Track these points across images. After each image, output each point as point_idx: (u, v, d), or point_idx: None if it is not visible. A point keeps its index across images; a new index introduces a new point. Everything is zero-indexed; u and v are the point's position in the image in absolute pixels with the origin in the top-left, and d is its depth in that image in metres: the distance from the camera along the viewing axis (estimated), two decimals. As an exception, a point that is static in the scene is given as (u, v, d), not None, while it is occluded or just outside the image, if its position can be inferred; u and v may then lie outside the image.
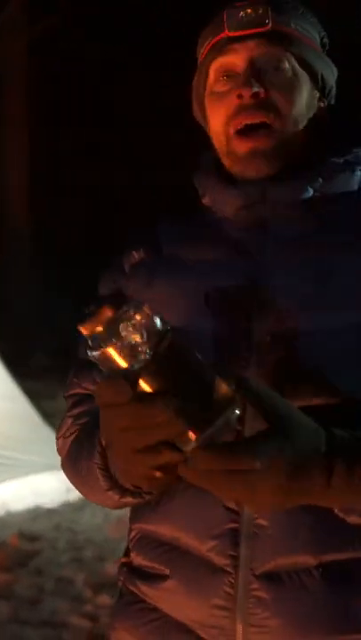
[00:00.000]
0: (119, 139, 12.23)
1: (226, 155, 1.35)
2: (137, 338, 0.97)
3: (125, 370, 0.98)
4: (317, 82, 1.35)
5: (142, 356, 0.97)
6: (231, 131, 1.31)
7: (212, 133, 1.38)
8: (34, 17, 10.91)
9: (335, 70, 1.40)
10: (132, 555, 1.37)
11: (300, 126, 1.32)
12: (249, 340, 1.25)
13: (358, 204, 1.33)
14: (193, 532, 1.27)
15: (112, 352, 0.98)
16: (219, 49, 1.32)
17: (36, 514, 5.06)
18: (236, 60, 1.31)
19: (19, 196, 11.50)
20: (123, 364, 0.98)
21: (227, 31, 1.31)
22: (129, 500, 1.24)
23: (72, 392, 1.43)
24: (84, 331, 1.01)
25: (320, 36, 1.38)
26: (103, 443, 1.22)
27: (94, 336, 1.00)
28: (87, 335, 1.01)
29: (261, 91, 1.28)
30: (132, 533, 1.38)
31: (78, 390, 1.42)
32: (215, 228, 1.36)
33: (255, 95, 1.28)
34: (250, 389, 1.01)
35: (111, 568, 4.25)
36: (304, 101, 1.32)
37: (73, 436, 1.38)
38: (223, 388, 0.99)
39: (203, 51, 1.37)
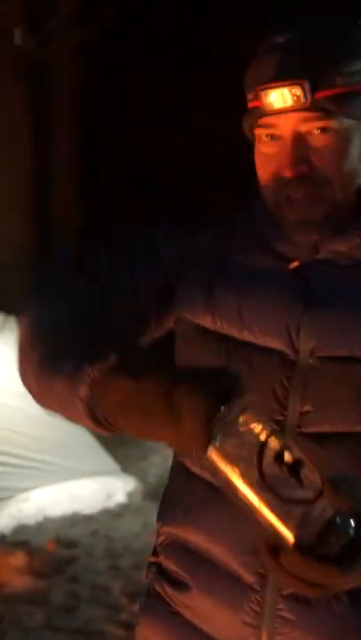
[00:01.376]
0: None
1: (275, 214, 1.32)
2: (243, 446, 0.99)
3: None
4: None
5: (249, 467, 0.99)
6: (280, 198, 1.29)
7: (260, 180, 1.33)
8: (81, 23, 11.01)
9: None
10: (161, 558, 1.38)
11: (353, 185, 1.28)
12: (296, 358, 1.25)
13: None
14: (225, 545, 1.27)
15: (216, 455, 1.00)
16: (259, 116, 1.28)
17: (74, 520, 5.02)
18: (279, 130, 1.26)
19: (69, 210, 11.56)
20: (229, 471, 1.00)
21: (262, 106, 1.26)
22: (102, 431, 1.15)
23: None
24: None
25: None
26: (100, 367, 1.11)
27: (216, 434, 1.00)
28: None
29: (303, 167, 1.25)
30: (161, 537, 1.38)
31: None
32: (265, 247, 1.35)
33: (298, 173, 1.25)
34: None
35: (148, 576, 4.21)
36: (355, 159, 1.27)
37: (46, 341, 1.27)
38: (334, 501, 1.00)
39: (249, 100, 1.31)
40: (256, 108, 1.27)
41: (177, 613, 1.34)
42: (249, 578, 1.24)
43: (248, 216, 1.39)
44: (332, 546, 0.99)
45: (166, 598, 1.36)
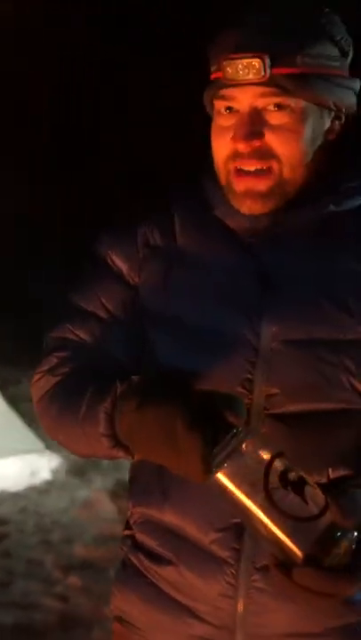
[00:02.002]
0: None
1: (225, 185, 1.37)
2: (248, 469, 1.09)
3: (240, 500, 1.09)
4: (329, 108, 1.33)
5: (256, 488, 1.08)
6: (230, 167, 1.34)
7: (213, 155, 1.39)
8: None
9: (356, 84, 1.38)
10: (137, 533, 1.44)
11: (302, 161, 1.33)
12: (257, 344, 1.31)
13: None
14: (197, 523, 1.34)
15: (224, 478, 1.09)
16: (219, 88, 1.33)
17: (2, 498, 5.08)
18: (236, 103, 1.32)
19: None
20: (237, 492, 1.09)
21: (222, 77, 1.31)
22: (119, 453, 1.29)
23: (60, 335, 1.44)
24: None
25: (339, 47, 1.34)
26: (123, 389, 1.26)
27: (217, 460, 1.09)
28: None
29: (256, 141, 1.30)
30: (135, 516, 1.44)
31: (68, 335, 1.43)
32: (228, 227, 1.40)
33: (250, 146, 1.30)
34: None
35: (79, 550, 4.32)
36: (309, 137, 1.32)
37: (60, 377, 1.40)
38: (337, 518, 1.09)
39: (211, 70, 1.37)
40: (217, 79, 1.32)
41: (153, 584, 1.41)
42: (223, 553, 1.32)
43: (203, 199, 1.44)
44: (340, 558, 1.08)
45: (142, 570, 1.43)
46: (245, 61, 1.26)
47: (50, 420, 1.43)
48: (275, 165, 1.31)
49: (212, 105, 1.37)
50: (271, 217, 1.34)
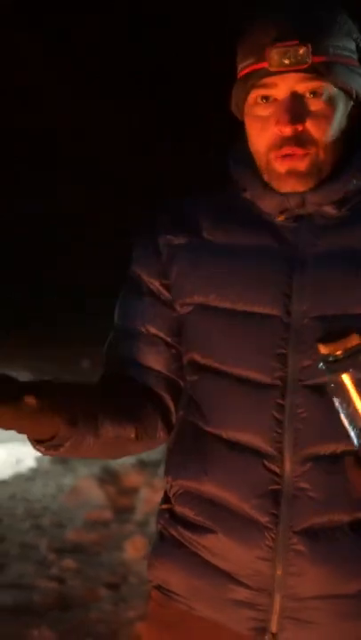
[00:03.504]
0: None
1: (265, 170, 1.44)
2: None
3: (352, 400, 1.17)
4: (352, 96, 1.43)
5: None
6: (272, 156, 1.42)
7: (251, 147, 1.46)
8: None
9: None
10: (176, 506, 1.50)
11: (335, 146, 1.42)
12: (289, 321, 1.39)
13: None
14: (237, 491, 1.40)
15: (346, 380, 1.16)
16: (259, 77, 1.40)
17: (-11, 485, 5.19)
18: (276, 92, 1.40)
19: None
20: (353, 394, 1.16)
21: (268, 65, 1.38)
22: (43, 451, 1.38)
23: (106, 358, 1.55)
24: (322, 349, 1.18)
25: (356, 42, 1.44)
26: None
27: (331, 356, 1.16)
28: (325, 354, 1.18)
29: (299, 126, 1.38)
30: (174, 488, 1.50)
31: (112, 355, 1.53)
32: (254, 213, 1.48)
33: (294, 130, 1.38)
34: None
35: (71, 534, 4.43)
36: (339, 122, 1.42)
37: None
38: None
39: (242, 67, 1.44)
40: (256, 70, 1.39)
41: (193, 554, 1.46)
42: (262, 518, 1.38)
43: (233, 187, 1.50)
44: None
45: (183, 541, 1.47)
46: (292, 49, 1.35)
47: None
48: (313, 150, 1.40)
49: (244, 99, 1.44)
50: (300, 195, 1.42)
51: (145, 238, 1.54)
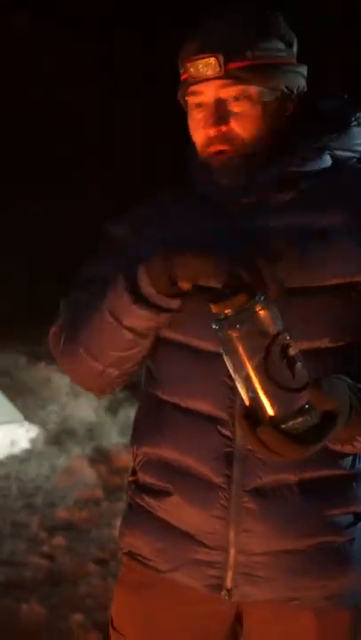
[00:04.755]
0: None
1: (206, 165, 1.58)
2: (253, 332, 1.20)
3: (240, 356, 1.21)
4: (282, 91, 1.56)
5: (257, 351, 1.20)
6: (206, 153, 1.56)
7: (195, 142, 1.60)
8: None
9: (303, 69, 1.60)
10: (140, 474, 1.63)
11: (264, 138, 1.55)
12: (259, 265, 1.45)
13: (333, 177, 1.56)
14: (194, 455, 1.53)
15: (233, 336, 1.20)
16: (188, 86, 1.56)
17: (-17, 466, 5.30)
18: (204, 98, 1.55)
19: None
20: (241, 351, 1.20)
21: (189, 76, 1.54)
22: (142, 311, 1.45)
23: (71, 298, 1.64)
24: (214, 308, 1.23)
25: (283, 40, 1.56)
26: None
27: (221, 315, 1.21)
28: (215, 313, 1.22)
29: (223, 127, 1.53)
30: (139, 458, 1.63)
31: (79, 295, 1.62)
32: (211, 203, 1.59)
33: (218, 131, 1.53)
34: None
35: (62, 512, 4.54)
36: (265, 116, 1.54)
37: (67, 316, 1.63)
38: (315, 397, 1.24)
39: (180, 73, 1.59)
40: (185, 80, 1.56)
41: (157, 518, 1.59)
42: (217, 479, 1.50)
43: (189, 180, 1.64)
44: (298, 427, 1.23)
45: (147, 507, 1.60)
46: (204, 61, 1.51)
47: (68, 355, 1.61)
48: (239, 146, 1.54)
49: (186, 102, 1.60)
50: (245, 181, 1.53)
51: (120, 217, 1.70)
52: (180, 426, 1.55)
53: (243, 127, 1.54)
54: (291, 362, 1.23)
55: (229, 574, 1.53)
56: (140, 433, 1.65)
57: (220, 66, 1.50)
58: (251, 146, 1.54)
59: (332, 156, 1.57)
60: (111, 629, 1.70)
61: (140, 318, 1.47)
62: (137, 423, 1.68)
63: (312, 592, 1.53)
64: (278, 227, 1.53)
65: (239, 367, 1.24)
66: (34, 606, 3.47)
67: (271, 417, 1.23)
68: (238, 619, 1.62)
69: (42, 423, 6.32)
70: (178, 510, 1.57)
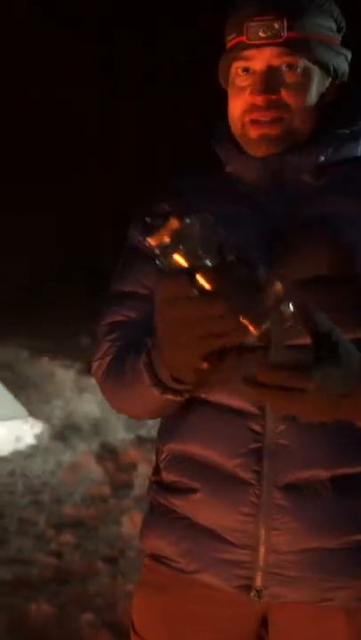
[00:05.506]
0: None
1: (240, 136, 1.53)
2: (200, 248, 1.10)
3: (188, 270, 1.10)
4: (329, 72, 1.52)
5: (204, 262, 1.10)
6: (246, 119, 1.50)
7: (230, 115, 1.55)
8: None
9: (348, 54, 1.56)
10: (163, 473, 1.57)
11: (309, 114, 1.50)
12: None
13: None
14: (221, 450, 1.47)
15: (178, 258, 1.10)
16: (239, 50, 1.49)
17: (-12, 462, 5.24)
18: (254, 64, 1.49)
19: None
20: (187, 266, 1.10)
21: (246, 38, 1.47)
22: (169, 396, 1.36)
23: (110, 320, 1.58)
24: (151, 241, 1.12)
25: (336, 22, 1.53)
26: (154, 340, 1.32)
27: (162, 245, 1.11)
28: (155, 245, 1.11)
29: (272, 96, 1.47)
30: (163, 455, 1.57)
31: (116, 318, 1.57)
32: (236, 188, 1.54)
33: (267, 100, 1.47)
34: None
35: (70, 509, 4.48)
36: (313, 94, 1.51)
37: (112, 355, 1.54)
38: (277, 287, 1.13)
39: (228, 41, 1.53)
40: (237, 43, 1.49)
41: (181, 517, 1.53)
42: (246, 475, 1.44)
43: (216, 164, 1.58)
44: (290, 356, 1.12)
45: (170, 507, 1.54)
46: (267, 23, 1.45)
47: (110, 394, 1.56)
48: (286, 115, 1.49)
49: (228, 71, 1.54)
50: (279, 159, 1.49)
51: (141, 211, 1.61)
52: (207, 420, 1.49)
53: (292, 97, 1.48)
54: (247, 264, 1.13)
55: (259, 574, 1.46)
56: (166, 430, 1.59)
57: (282, 30, 1.45)
58: (296, 119, 1.49)
59: None
60: (132, 633, 1.63)
61: (166, 401, 1.41)
62: (163, 420, 1.62)
63: (344, 592, 1.47)
64: (309, 214, 1.47)
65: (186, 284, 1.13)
66: (42, 605, 3.40)
67: (255, 329, 1.11)
68: (263, 621, 1.55)
69: (46, 419, 6.27)
70: (204, 508, 1.50)
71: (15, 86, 12.65)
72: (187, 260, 1.11)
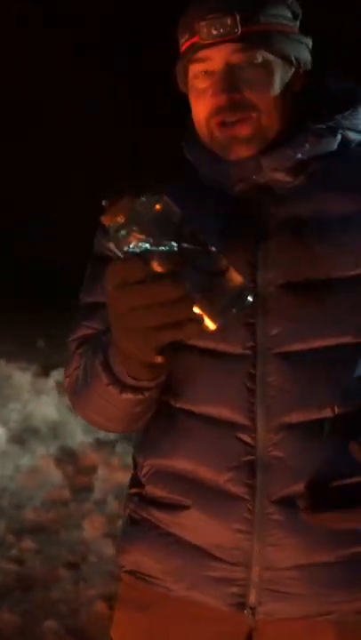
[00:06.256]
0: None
1: (209, 141, 1.47)
2: (156, 229, 1.04)
3: (142, 254, 1.04)
4: (291, 62, 1.46)
5: (160, 245, 1.03)
6: (212, 123, 1.44)
7: (195, 121, 1.48)
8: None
9: (309, 41, 1.50)
10: (148, 487, 1.50)
11: (277, 109, 1.44)
12: (254, 290, 1.38)
13: (340, 160, 1.46)
14: (210, 465, 1.41)
15: (131, 239, 1.04)
16: (195, 51, 1.43)
17: None
18: (212, 64, 1.42)
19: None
20: (141, 249, 1.04)
21: (199, 39, 1.41)
22: (129, 395, 1.31)
23: (78, 334, 1.53)
24: (104, 221, 1.07)
25: (291, 10, 1.47)
26: (110, 336, 1.26)
27: (115, 226, 1.06)
28: (108, 225, 1.06)
29: (236, 96, 1.41)
30: (145, 469, 1.50)
31: (84, 332, 1.51)
32: (215, 191, 1.48)
33: (230, 99, 1.41)
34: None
35: (30, 514, 4.42)
36: (278, 87, 1.44)
37: (80, 367, 1.48)
38: (236, 277, 1.07)
39: (182, 44, 1.47)
40: (191, 45, 1.43)
41: (167, 534, 1.46)
42: (238, 490, 1.38)
43: (189, 167, 1.52)
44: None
45: (155, 522, 1.47)
46: (219, 20, 1.39)
47: (79, 406, 1.50)
48: (254, 114, 1.42)
49: (186, 75, 1.47)
50: (254, 161, 1.43)
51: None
52: (193, 434, 1.43)
53: (257, 95, 1.42)
54: (206, 249, 1.08)
55: (253, 591, 1.41)
56: (147, 444, 1.52)
57: (236, 26, 1.39)
58: (264, 116, 1.43)
59: (342, 137, 1.48)
60: None
61: (129, 401, 1.35)
62: (144, 432, 1.54)
63: (343, 606, 1.42)
64: (289, 215, 1.43)
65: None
66: (4, 614, 3.36)
67: (211, 318, 1.06)
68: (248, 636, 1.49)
69: (3, 422, 6.18)
70: (195, 525, 1.44)
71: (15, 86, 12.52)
72: (140, 240, 1.05)
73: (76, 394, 1.49)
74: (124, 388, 1.31)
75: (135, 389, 1.31)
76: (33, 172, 12.71)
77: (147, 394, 1.32)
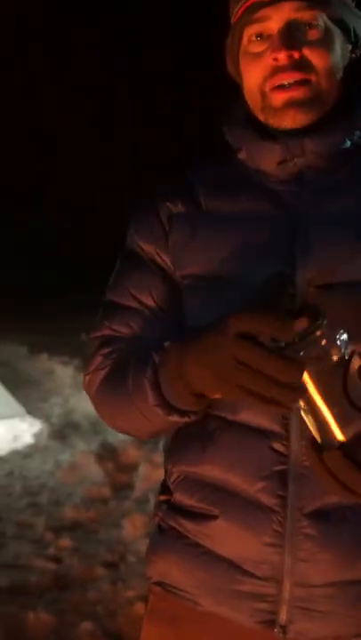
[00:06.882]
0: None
1: (261, 110, 1.37)
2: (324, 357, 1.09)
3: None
4: (350, 36, 1.37)
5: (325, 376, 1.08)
6: (267, 87, 1.34)
7: (246, 91, 1.40)
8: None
9: None
10: (176, 494, 1.42)
11: (336, 78, 1.35)
12: (294, 291, 1.30)
13: None
14: (241, 474, 1.33)
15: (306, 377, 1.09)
16: (252, 12, 1.34)
17: (-15, 462, 5.12)
18: (270, 25, 1.33)
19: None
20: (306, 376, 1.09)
21: None
22: (175, 418, 1.29)
23: (100, 333, 1.46)
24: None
25: None
26: (163, 358, 1.27)
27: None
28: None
29: (295, 52, 1.31)
30: (174, 475, 1.42)
31: (107, 332, 1.45)
32: (253, 180, 1.39)
33: (290, 57, 1.31)
34: None
35: (69, 512, 4.36)
36: (338, 55, 1.35)
37: (107, 368, 1.42)
38: None
39: (236, 11, 1.39)
40: (249, 6, 1.34)
41: (195, 545, 1.38)
42: (269, 501, 1.30)
43: (226, 156, 1.44)
44: None
45: (183, 532, 1.40)
46: None
47: (106, 410, 1.44)
48: (313, 77, 1.34)
49: (238, 48, 1.39)
50: (298, 142, 1.34)
51: (144, 209, 1.47)
52: (224, 441, 1.35)
53: (317, 57, 1.33)
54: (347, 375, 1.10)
55: (284, 608, 1.32)
56: (177, 450, 1.43)
57: None
58: (324, 81, 1.34)
59: None
60: None
61: (168, 423, 1.33)
62: (173, 437, 1.46)
63: None
64: (336, 209, 1.34)
65: (311, 403, 1.12)
66: (40, 614, 3.29)
67: (344, 442, 1.08)
68: None
69: (45, 417, 6.15)
70: (223, 536, 1.36)
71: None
72: (308, 371, 1.09)
73: (102, 398, 1.44)
74: (171, 411, 1.29)
75: (183, 413, 1.29)
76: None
77: (193, 416, 1.31)
